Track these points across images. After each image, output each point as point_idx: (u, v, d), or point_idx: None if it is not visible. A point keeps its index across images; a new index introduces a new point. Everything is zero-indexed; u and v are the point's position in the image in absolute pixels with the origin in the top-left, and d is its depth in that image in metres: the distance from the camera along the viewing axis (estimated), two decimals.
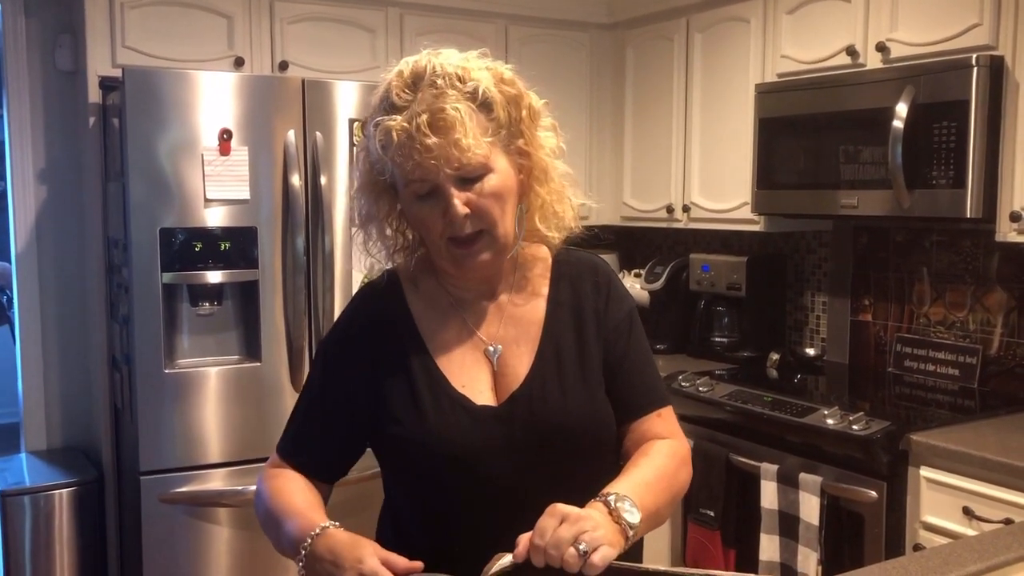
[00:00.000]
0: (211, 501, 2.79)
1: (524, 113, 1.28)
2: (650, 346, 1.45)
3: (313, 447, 1.37)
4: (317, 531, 1.19)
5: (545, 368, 1.32)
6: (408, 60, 1.26)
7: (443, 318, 1.36)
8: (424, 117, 1.20)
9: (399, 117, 1.21)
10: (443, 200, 1.23)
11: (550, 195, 1.33)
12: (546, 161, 1.31)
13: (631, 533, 1.15)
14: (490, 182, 1.24)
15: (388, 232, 1.35)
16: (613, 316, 1.38)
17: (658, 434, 1.35)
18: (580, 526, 1.09)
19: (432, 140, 1.19)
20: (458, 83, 1.22)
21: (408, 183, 1.24)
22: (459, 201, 1.23)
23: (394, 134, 1.21)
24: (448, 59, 1.25)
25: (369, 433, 1.36)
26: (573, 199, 1.36)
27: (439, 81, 1.22)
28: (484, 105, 1.24)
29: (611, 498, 1.17)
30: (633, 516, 1.16)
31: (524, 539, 1.10)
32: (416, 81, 1.23)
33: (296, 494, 1.31)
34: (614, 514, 1.15)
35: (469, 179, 1.23)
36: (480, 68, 1.26)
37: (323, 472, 1.38)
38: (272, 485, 1.34)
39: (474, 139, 1.21)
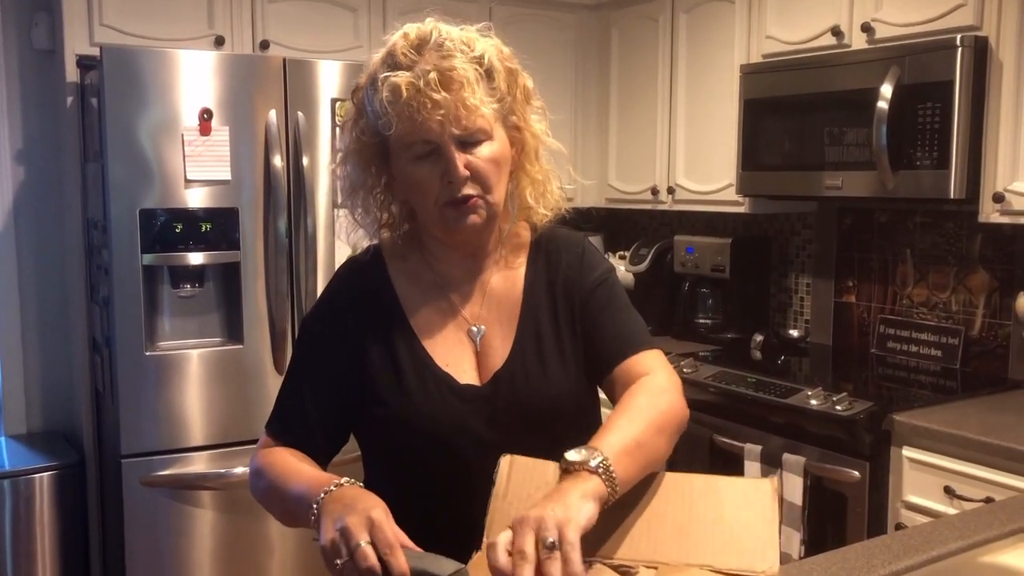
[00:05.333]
0: (193, 484, 2.78)
1: (519, 91, 1.30)
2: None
3: (301, 427, 1.34)
4: (340, 482, 1.14)
5: (525, 348, 1.32)
6: (412, 25, 1.28)
7: (427, 296, 1.35)
8: (433, 75, 1.20)
9: (407, 73, 1.21)
10: (443, 160, 1.24)
11: (539, 174, 1.35)
12: (535, 142, 1.33)
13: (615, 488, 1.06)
14: (489, 148, 1.26)
15: (373, 207, 1.34)
16: (586, 281, 1.36)
17: (641, 372, 1.28)
18: (537, 523, 0.98)
19: (441, 96, 1.20)
20: (464, 48, 1.24)
21: (408, 145, 1.24)
22: (460, 162, 1.23)
23: (403, 88, 1.20)
24: (452, 28, 1.27)
25: (356, 410, 1.34)
26: (558, 183, 1.38)
27: (447, 44, 1.23)
28: (488, 73, 1.25)
29: (584, 457, 1.06)
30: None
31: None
32: (422, 44, 1.24)
33: (301, 463, 1.27)
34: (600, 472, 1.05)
35: (470, 142, 1.24)
36: (483, 39, 1.28)
37: (315, 451, 1.33)
38: (271, 459, 1.30)
39: (480, 100, 1.23)
